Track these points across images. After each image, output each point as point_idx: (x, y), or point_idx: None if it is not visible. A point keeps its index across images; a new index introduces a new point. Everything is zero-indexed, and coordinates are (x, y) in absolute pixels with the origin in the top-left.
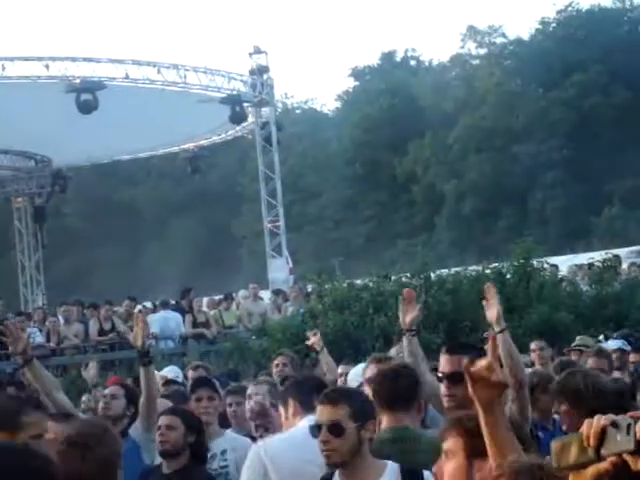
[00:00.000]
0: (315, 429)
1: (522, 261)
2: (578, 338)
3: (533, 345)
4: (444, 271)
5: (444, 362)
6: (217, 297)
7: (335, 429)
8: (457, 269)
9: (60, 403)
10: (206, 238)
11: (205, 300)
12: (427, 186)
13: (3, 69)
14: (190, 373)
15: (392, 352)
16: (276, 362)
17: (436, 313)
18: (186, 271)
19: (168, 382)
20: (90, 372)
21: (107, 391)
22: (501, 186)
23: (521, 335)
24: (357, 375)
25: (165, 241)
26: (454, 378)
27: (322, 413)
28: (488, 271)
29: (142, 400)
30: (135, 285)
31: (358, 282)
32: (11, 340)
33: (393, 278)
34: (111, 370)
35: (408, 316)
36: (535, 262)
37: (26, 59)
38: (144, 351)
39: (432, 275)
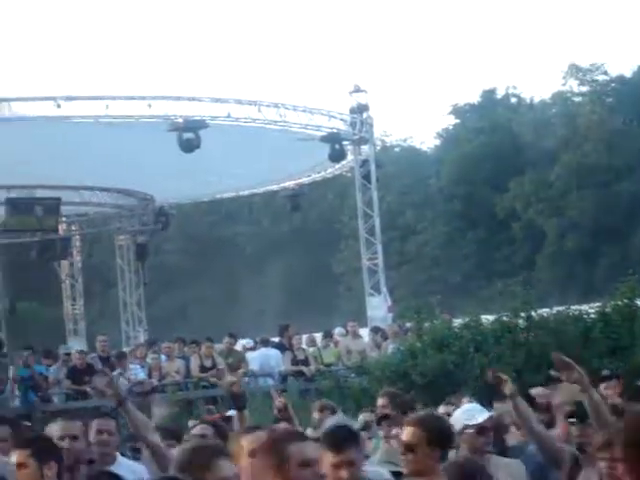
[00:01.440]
0: None
1: (626, 300)
2: None
3: None
4: (546, 310)
5: None
6: (316, 334)
7: None
8: (559, 308)
9: (154, 444)
10: (305, 275)
11: (304, 337)
12: (527, 223)
13: (107, 108)
14: (316, 415)
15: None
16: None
17: (538, 353)
18: (284, 308)
19: None
20: (160, 410)
21: (195, 430)
22: (603, 224)
23: (625, 376)
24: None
25: (264, 278)
26: None
27: None
28: (591, 311)
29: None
30: (234, 322)
31: (458, 321)
32: (98, 391)
33: (493, 317)
34: (213, 405)
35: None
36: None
37: (129, 98)
38: (238, 395)
39: (534, 314)
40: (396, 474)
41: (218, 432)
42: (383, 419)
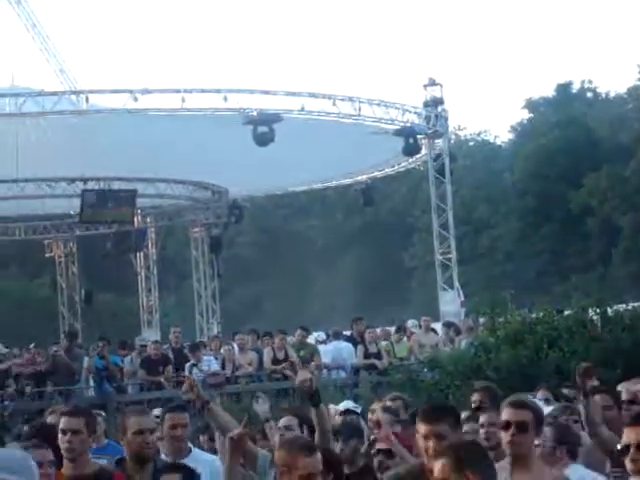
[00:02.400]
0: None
1: None
2: None
3: None
4: (621, 306)
5: None
6: (389, 328)
7: None
8: (634, 304)
9: None
10: (377, 269)
11: (377, 331)
12: (603, 219)
13: (183, 101)
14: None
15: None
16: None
17: (613, 349)
18: (356, 302)
19: (346, 412)
20: (263, 406)
21: (281, 423)
22: None
23: None
24: None
25: (336, 271)
26: None
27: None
28: None
29: (316, 437)
30: (306, 315)
31: (531, 316)
32: (185, 392)
33: (568, 312)
34: (285, 399)
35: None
36: None
37: (204, 91)
38: (312, 392)
39: (609, 310)
40: None
41: (303, 422)
42: (478, 410)
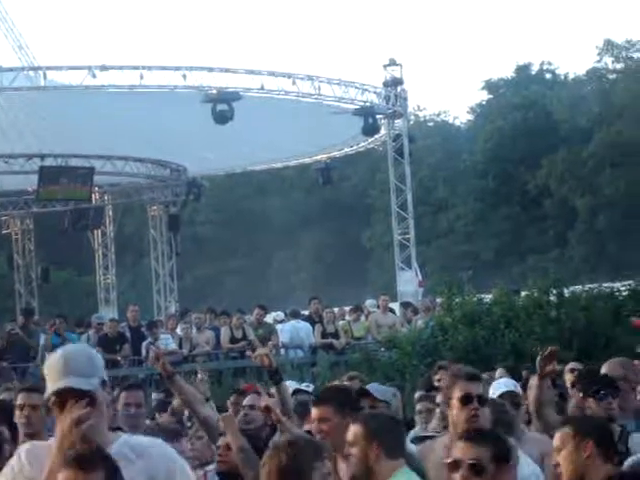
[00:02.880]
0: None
1: None
2: None
3: None
4: (577, 287)
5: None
6: (347, 308)
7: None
8: (590, 285)
9: (203, 417)
10: (335, 249)
11: (335, 310)
12: (560, 201)
13: (141, 78)
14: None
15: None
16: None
17: (569, 330)
18: (315, 281)
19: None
20: (201, 386)
21: (246, 401)
22: (636, 202)
23: None
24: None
25: (295, 251)
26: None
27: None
28: (623, 288)
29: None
30: (264, 294)
31: (488, 296)
32: (152, 361)
33: (524, 293)
34: (242, 378)
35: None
36: None
37: (164, 68)
38: (274, 370)
39: (565, 291)
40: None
41: None
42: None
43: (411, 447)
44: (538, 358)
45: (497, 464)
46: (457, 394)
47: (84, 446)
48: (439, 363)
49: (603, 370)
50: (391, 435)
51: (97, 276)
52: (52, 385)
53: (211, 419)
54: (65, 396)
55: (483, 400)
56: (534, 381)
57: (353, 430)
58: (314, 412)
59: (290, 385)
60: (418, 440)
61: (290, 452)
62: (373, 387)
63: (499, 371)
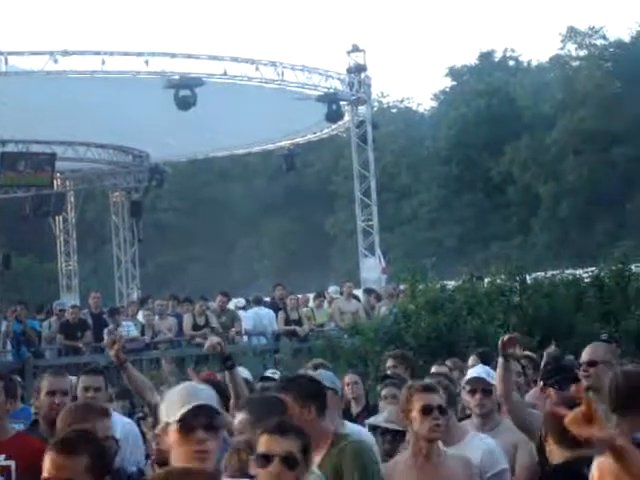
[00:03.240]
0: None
1: (620, 265)
2: None
3: None
4: (540, 274)
5: None
6: (310, 295)
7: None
8: (553, 272)
9: (154, 404)
10: (299, 236)
11: (299, 297)
12: (523, 188)
13: (103, 63)
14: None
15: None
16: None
17: (531, 316)
18: (278, 268)
19: (263, 379)
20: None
21: None
22: (599, 189)
23: (617, 340)
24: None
25: (258, 238)
26: None
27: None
28: (585, 275)
29: (232, 403)
30: (228, 281)
31: (452, 283)
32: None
33: (487, 280)
34: (205, 365)
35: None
36: (633, 267)
37: (126, 54)
38: (226, 356)
39: (528, 278)
40: (397, 433)
41: (218, 391)
42: (387, 378)
43: (364, 435)
44: (499, 342)
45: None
46: (417, 406)
47: (70, 430)
48: (388, 352)
49: (585, 354)
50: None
51: (59, 263)
52: (180, 408)
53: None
54: (194, 417)
55: (443, 410)
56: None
57: (239, 418)
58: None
59: (242, 372)
60: (370, 428)
61: None
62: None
63: (472, 358)
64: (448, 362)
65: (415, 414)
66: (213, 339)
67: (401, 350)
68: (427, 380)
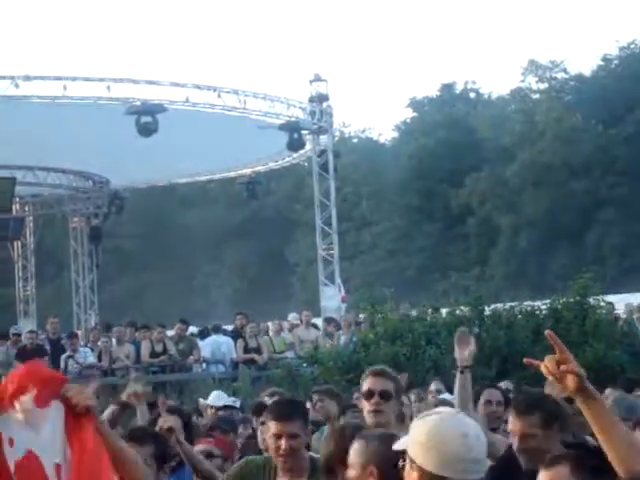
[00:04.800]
0: None
1: (578, 298)
2: None
3: (608, 392)
4: (499, 305)
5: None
6: (269, 323)
7: None
8: (511, 303)
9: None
10: (259, 264)
11: (259, 326)
12: (483, 219)
13: (65, 89)
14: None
15: (432, 387)
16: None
17: (489, 347)
18: (238, 296)
19: (224, 408)
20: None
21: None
22: (558, 222)
23: None
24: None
25: (218, 265)
26: None
27: None
28: (543, 307)
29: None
30: (187, 308)
31: (413, 313)
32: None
33: (446, 310)
34: (162, 392)
35: (465, 351)
36: (591, 299)
37: (88, 80)
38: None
39: (486, 309)
40: None
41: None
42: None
43: None
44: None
45: None
46: (362, 389)
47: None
48: (315, 388)
49: (546, 390)
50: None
51: (16, 288)
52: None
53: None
54: None
55: (387, 395)
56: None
57: None
58: (277, 427)
59: (219, 397)
60: None
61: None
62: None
63: (434, 383)
64: (432, 386)
65: (362, 397)
66: (131, 389)
67: (327, 386)
68: (381, 366)
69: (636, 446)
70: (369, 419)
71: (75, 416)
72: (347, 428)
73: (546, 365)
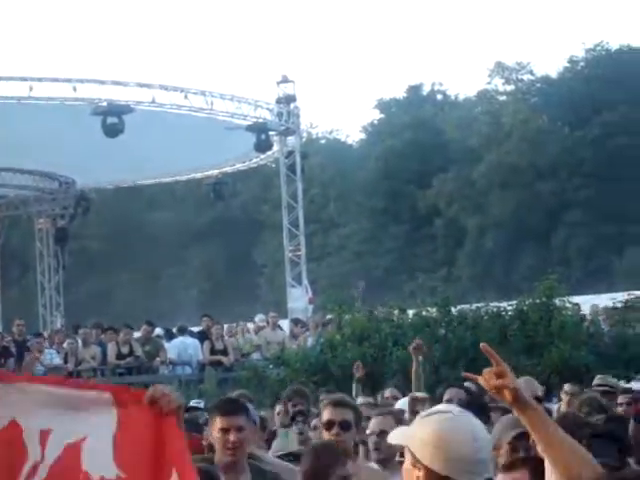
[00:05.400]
0: None
1: (544, 299)
2: (598, 377)
3: (567, 387)
4: (465, 306)
5: None
6: (235, 324)
7: None
8: (478, 304)
9: None
10: (226, 265)
11: (225, 327)
12: (449, 220)
13: (30, 90)
14: None
15: (387, 393)
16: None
17: (456, 348)
18: (205, 297)
19: (189, 409)
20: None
21: None
22: (524, 223)
23: (540, 373)
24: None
25: (185, 267)
26: None
27: None
28: (510, 308)
29: None
30: (153, 310)
31: (379, 313)
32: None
33: (413, 311)
34: None
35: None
36: (557, 301)
37: (54, 80)
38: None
39: (452, 310)
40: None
41: None
42: (299, 414)
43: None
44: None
45: None
46: (322, 419)
47: None
48: (289, 387)
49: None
50: None
51: None
52: None
53: None
54: None
55: (347, 425)
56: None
57: None
58: (228, 421)
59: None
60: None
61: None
62: None
63: (389, 391)
64: (387, 392)
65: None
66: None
67: (298, 385)
68: (339, 395)
69: (579, 452)
70: None
71: (159, 417)
72: (321, 448)
73: (485, 378)
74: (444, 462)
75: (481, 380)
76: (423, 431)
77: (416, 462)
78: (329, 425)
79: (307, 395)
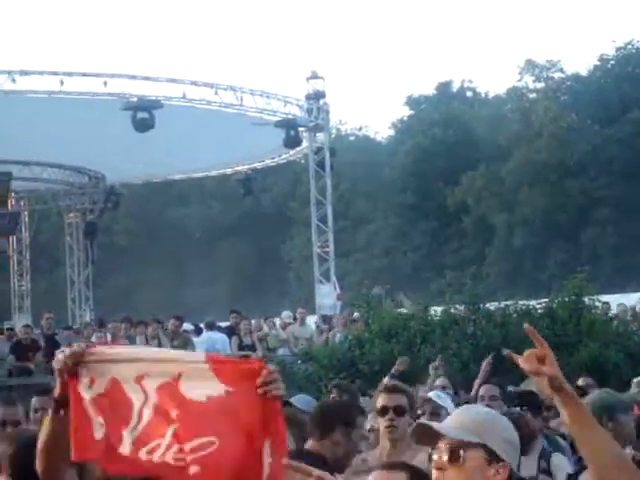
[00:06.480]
0: None
1: (573, 297)
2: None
3: (580, 382)
4: (493, 304)
5: None
6: (263, 320)
7: None
8: (507, 302)
9: None
10: (254, 261)
11: (253, 322)
12: (478, 218)
13: (61, 84)
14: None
15: (437, 382)
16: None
17: (484, 346)
18: (233, 293)
19: None
20: None
21: None
22: (553, 221)
23: (570, 372)
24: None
25: (213, 262)
26: None
27: None
28: (539, 306)
29: None
30: (182, 305)
31: (405, 311)
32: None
33: (441, 308)
34: None
35: None
36: (587, 299)
37: (85, 75)
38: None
39: (481, 307)
40: None
41: None
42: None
43: None
44: None
45: None
46: (376, 406)
47: None
48: (333, 382)
49: (527, 386)
50: None
51: (11, 283)
52: None
53: None
54: None
55: (401, 410)
56: None
57: None
58: None
59: None
60: None
61: None
62: (297, 398)
63: (440, 380)
64: (438, 382)
65: (376, 413)
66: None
67: (344, 381)
68: (393, 381)
69: (625, 462)
70: (384, 435)
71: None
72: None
73: (524, 358)
74: (514, 455)
75: (521, 361)
76: (502, 428)
77: (497, 461)
78: (383, 411)
79: (352, 390)
